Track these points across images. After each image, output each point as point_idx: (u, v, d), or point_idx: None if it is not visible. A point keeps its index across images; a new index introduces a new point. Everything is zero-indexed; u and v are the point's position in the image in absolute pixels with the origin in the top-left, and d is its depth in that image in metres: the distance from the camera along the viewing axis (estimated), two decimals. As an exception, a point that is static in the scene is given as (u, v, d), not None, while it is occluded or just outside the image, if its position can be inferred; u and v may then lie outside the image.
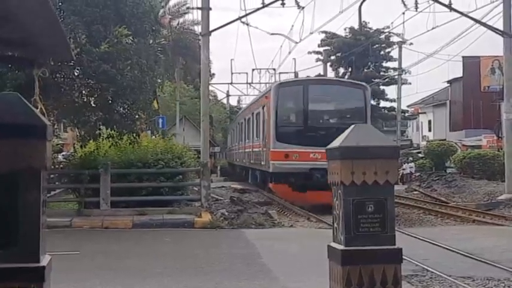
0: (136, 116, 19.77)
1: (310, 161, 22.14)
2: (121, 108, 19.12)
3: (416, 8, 26.37)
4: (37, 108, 12.95)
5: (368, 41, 52.28)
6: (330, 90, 24.81)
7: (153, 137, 25.33)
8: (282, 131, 23.60)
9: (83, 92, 19.17)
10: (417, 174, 41.62)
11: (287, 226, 17.67)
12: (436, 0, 25.13)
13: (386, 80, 54.26)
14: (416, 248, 12.82)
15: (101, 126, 19.42)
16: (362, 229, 5.89)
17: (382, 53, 57.45)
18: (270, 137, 23.85)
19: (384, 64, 57.92)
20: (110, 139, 19.25)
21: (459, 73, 57.69)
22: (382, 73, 56.30)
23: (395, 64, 53.24)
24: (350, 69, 57.29)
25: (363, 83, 26.31)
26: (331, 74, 54.11)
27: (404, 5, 27.43)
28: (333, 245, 6.12)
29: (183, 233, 15.53)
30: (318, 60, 56.77)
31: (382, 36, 55.74)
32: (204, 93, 21.28)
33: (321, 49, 57.19)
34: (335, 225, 6.18)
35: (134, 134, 19.34)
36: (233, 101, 74.65)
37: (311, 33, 37.08)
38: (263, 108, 26.24)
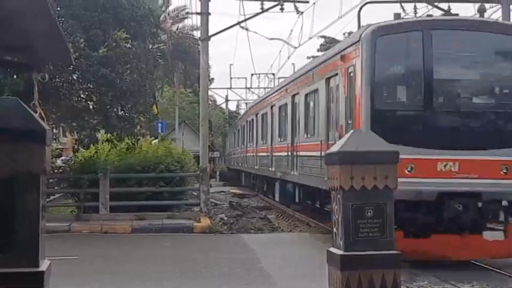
0: (137, 121, 19.78)
1: (440, 177, 11.94)
2: (121, 112, 19.14)
3: (415, 12, 26.40)
4: (36, 113, 12.96)
5: (367, 45, 52.19)
6: (474, 41, 12.96)
7: (155, 140, 25.31)
8: (381, 120, 12.34)
9: (82, 96, 19.18)
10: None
11: (286, 231, 17.64)
12: (434, 5, 25.19)
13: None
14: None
15: (100, 131, 19.44)
16: (361, 234, 5.90)
17: (381, 57, 57.41)
18: None
19: (383, 69, 57.88)
20: (109, 143, 19.24)
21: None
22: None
23: (394, 69, 53.19)
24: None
25: None
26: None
27: (403, 9, 27.42)
28: (332, 250, 6.13)
29: (182, 237, 15.51)
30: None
31: (381, 41, 55.75)
32: (203, 98, 21.29)
33: (320, 54, 57.25)
34: (334, 230, 6.19)
35: (133, 139, 19.32)
36: (232, 106, 74.67)
37: (310, 38, 36.73)
38: (328, 81, 15.44)
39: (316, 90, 16.73)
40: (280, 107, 22.69)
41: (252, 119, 30.97)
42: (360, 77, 12.62)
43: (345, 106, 13.65)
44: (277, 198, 24.32)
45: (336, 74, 14.53)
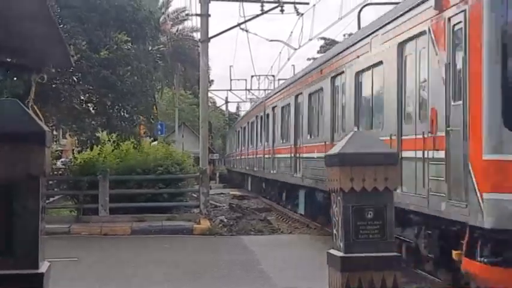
0: (138, 121, 19.75)
1: None
2: (122, 113, 19.10)
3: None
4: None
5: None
6: None
7: (155, 142, 25.30)
8: None
9: (82, 97, 19.18)
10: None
11: (286, 233, 17.63)
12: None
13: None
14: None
15: (101, 132, 19.41)
16: (361, 236, 5.90)
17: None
18: (481, 122, 7.74)
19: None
20: (111, 144, 19.20)
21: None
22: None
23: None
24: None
25: None
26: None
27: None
28: (332, 251, 6.13)
29: (182, 239, 15.50)
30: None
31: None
32: (203, 100, 21.27)
33: (320, 55, 57.22)
34: (334, 231, 6.19)
35: (136, 139, 19.30)
36: (232, 108, 74.78)
37: (310, 39, 36.67)
38: (401, 47, 10.72)
39: (376, 65, 11.95)
40: (310, 95, 17.87)
41: (267, 114, 25.78)
42: (480, 31, 7.91)
43: (445, 80, 8.90)
44: (301, 210, 19.51)
45: (422, 33, 9.77)
